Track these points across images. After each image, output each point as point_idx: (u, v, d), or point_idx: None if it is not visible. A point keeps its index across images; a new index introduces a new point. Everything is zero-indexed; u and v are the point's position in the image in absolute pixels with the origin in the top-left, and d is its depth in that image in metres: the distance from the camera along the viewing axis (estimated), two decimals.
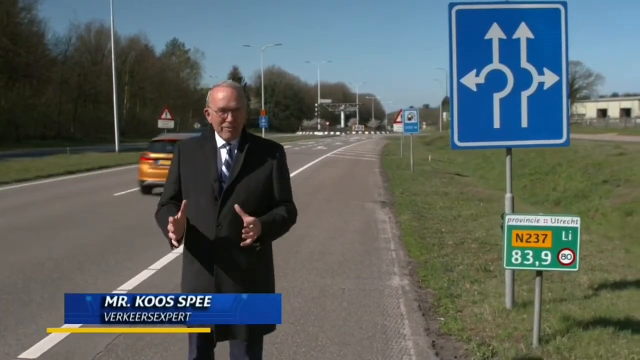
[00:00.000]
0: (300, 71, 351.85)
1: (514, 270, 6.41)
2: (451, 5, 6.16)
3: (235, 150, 3.44)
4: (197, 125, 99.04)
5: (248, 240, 3.22)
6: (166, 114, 38.15)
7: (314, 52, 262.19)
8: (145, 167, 17.48)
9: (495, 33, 6.10)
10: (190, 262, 3.47)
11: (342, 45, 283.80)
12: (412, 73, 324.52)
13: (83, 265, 8.84)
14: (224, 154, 3.44)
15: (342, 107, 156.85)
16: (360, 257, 9.50)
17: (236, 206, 3.23)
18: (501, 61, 6.13)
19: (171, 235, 3.21)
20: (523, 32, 6.10)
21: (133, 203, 15.95)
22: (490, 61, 6.13)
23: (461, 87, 6.18)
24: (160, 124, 38.29)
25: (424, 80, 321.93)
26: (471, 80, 6.15)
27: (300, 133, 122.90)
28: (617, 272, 8.34)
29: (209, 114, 3.46)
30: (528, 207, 16.96)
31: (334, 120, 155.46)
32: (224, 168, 3.41)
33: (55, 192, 18.93)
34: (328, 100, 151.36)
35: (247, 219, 3.19)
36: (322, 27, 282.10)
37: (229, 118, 3.37)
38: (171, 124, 38.49)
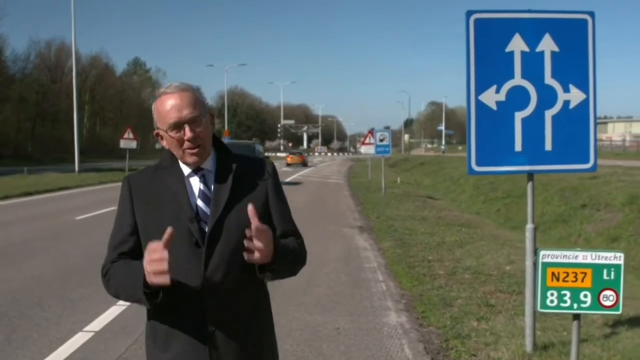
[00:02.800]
0: (263, 92, 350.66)
1: (535, 310, 5.72)
2: (469, 14, 5.51)
3: (212, 176, 2.49)
4: (158, 146, 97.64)
5: (256, 255, 2.25)
6: (129, 134, 37.17)
7: (277, 73, 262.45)
8: (289, 158, 64.35)
9: (517, 45, 5.47)
10: (163, 343, 2.46)
11: (305, 67, 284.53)
12: (374, 95, 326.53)
13: (43, 300, 7.94)
14: (195, 184, 2.48)
15: (305, 128, 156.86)
16: (348, 289, 8.76)
17: (250, 207, 2.26)
18: (523, 76, 5.50)
19: (159, 266, 2.15)
20: (547, 45, 5.48)
21: (97, 228, 14.94)
22: (511, 76, 5.49)
23: (479, 104, 5.53)
24: (123, 144, 37.32)
25: (386, 103, 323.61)
26: (491, 98, 5.50)
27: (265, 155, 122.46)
28: (626, 305, 7.73)
29: (161, 138, 2.49)
30: (508, 232, 16.43)
31: (296, 141, 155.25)
32: (200, 202, 2.44)
33: (12, 215, 17.83)
34: (291, 122, 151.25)
35: (259, 224, 2.24)
36: (285, 48, 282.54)
37: (188, 134, 2.37)
38: (134, 144, 37.48)
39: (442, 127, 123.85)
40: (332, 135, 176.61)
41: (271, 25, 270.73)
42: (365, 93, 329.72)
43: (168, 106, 2.39)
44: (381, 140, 26.60)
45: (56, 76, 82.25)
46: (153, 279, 2.19)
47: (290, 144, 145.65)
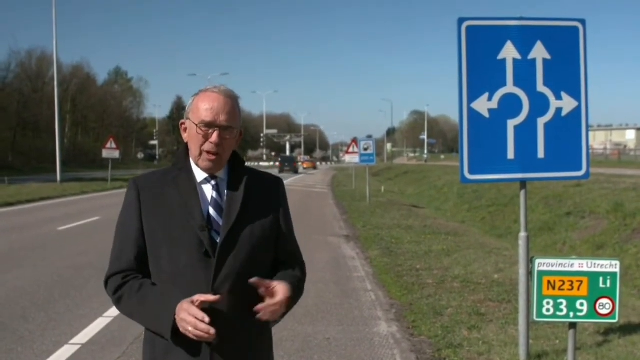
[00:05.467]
0: (246, 101, 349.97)
1: (528, 319, 5.67)
2: (461, 21, 5.49)
3: (226, 185, 2.44)
4: (140, 156, 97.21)
5: (270, 316, 2.30)
6: (111, 143, 36.95)
7: (259, 83, 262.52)
8: (305, 164, 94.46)
9: (509, 52, 5.45)
10: (162, 355, 2.37)
11: (287, 77, 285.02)
12: (357, 104, 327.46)
13: (27, 312, 7.79)
14: (208, 191, 2.42)
15: (288, 137, 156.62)
16: (337, 299, 8.69)
17: (254, 280, 2.27)
18: (516, 84, 5.48)
19: (202, 332, 2.17)
20: (539, 52, 5.47)
21: (80, 238, 14.79)
22: (504, 84, 5.47)
23: (472, 112, 5.50)
24: (105, 153, 37.14)
25: (368, 112, 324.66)
26: (483, 105, 5.47)
27: (246, 164, 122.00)
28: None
29: (185, 129, 2.45)
30: (494, 240, 16.45)
31: (279, 150, 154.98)
32: (212, 210, 2.39)
33: None
34: (274, 131, 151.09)
35: (281, 290, 2.30)
36: (267, 57, 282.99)
37: (214, 138, 2.34)
38: (116, 154, 37.29)
39: (425, 136, 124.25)
40: (314, 145, 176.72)
41: (253, 35, 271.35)
42: (347, 102, 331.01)
43: (209, 104, 2.37)
44: (365, 149, 26.59)
45: (37, 85, 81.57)
46: (186, 334, 2.20)
47: (273, 154, 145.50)
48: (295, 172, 74.52)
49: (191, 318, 2.17)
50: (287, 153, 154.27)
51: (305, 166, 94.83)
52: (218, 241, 2.34)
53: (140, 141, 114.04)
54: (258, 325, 2.39)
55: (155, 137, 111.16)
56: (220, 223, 2.37)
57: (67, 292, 8.88)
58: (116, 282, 2.37)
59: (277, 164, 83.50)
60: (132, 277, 2.37)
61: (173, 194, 2.39)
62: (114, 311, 7.59)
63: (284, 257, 2.55)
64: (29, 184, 36.87)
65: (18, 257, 11.98)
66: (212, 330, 2.16)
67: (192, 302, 2.19)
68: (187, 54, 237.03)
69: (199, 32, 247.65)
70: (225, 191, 2.44)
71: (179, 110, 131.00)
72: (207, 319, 2.16)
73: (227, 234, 2.35)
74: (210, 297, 2.21)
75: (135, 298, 2.33)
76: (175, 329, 2.22)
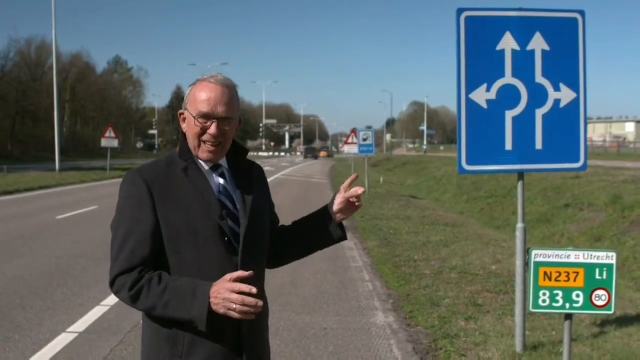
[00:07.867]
0: (245, 92, 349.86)
1: (525, 310, 5.68)
2: (460, 11, 5.47)
3: (231, 174, 2.45)
4: (139, 145, 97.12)
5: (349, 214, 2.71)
6: (110, 133, 36.90)
7: (259, 73, 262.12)
8: (322, 154, 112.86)
9: (508, 43, 5.44)
10: (186, 350, 2.30)
11: (287, 67, 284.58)
12: (357, 95, 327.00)
13: (25, 301, 7.80)
14: (214, 181, 2.40)
15: (287, 128, 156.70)
16: (335, 289, 8.71)
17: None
18: (514, 75, 5.47)
19: (250, 306, 2.15)
20: (538, 44, 5.46)
21: (78, 227, 14.78)
22: (502, 75, 5.47)
23: (470, 103, 5.49)
24: (104, 142, 37.09)
25: (368, 103, 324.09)
26: (481, 96, 5.47)
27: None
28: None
29: (184, 120, 2.40)
30: (492, 231, 16.46)
31: (278, 141, 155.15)
32: (224, 199, 2.37)
33: None
34: (273, 121, 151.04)
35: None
36: (267, 48, 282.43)
37: (213, 130, 2.30)
38: (115, 143, 37.25)
39: (424, 128, 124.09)
40: (314, 135, 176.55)
41: (254, 26, 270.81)
42: (347, 93, 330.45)
43: (206, 95, 2.33)
44: (364, 140, 26.55)
45: (37, 74, 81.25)
46: (228, 314, 2.18)
47: (272, 144, 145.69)
48: (316, 158, 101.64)
49: (236, 295, 2.14)
50: (287, 144, 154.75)
51: (322, 155, 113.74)
52: (240, 229, 2.35)
53: (139, 131, 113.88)
54: (267, 308, 2.50)
55: (154, 127, 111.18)
56: (233, 211, 2.38)
57: (65, 281, 8.88)
58: (132, 277, 2.26)
59: (301, 152, 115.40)
60: (148, 271, 2.28)
61: (186, 186, 2.34)
62: (111, 300, 7.60)
63: (275, 224, 2.68)
64: (27, 172, 36.81)
65: (16, 245, 11.97)
66: (260, 302, 2.16)
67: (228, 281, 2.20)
68: (187, 44, 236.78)
69: (199, 22, 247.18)
70: (230, 179, 2.45)
71: (178, 99, 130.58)
72: (254, 291, 2.14)
73: (248, 222, 2.36)
74: (244, 274, 2.19)
75: (158, 288, 2.24)
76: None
